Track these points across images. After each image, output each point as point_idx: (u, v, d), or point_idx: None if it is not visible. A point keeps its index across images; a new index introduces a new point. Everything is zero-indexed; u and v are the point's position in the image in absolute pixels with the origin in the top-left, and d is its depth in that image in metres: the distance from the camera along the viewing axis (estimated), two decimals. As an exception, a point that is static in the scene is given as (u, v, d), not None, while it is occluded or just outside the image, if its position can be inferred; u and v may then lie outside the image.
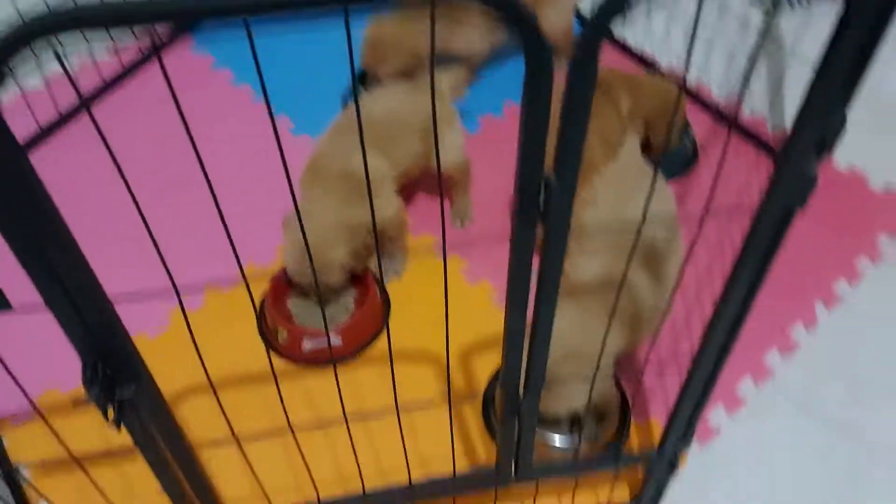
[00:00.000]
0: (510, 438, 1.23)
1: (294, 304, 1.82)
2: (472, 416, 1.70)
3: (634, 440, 1.67)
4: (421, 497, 1.32)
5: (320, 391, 1.73)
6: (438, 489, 1.31)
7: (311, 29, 2.49)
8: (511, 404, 1.15)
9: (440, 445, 1.62)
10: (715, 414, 1.72)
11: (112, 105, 2.29)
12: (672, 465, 1.42)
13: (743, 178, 2.14)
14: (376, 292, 1.83)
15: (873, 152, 2.20)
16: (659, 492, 1.50)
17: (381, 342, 1.82)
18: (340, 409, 1.14)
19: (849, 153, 2.19)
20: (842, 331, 1.86)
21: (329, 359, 1.74)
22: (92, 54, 2.30)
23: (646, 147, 1.97)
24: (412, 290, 1.91)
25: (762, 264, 0.97)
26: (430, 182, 2.10)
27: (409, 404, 1.70)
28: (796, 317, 1.87)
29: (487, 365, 1.77)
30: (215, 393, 1.01)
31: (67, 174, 2.09)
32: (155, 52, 2.37)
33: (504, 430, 1.21)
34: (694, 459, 1.65)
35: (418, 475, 1.35)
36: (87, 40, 2.25)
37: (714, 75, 2.33)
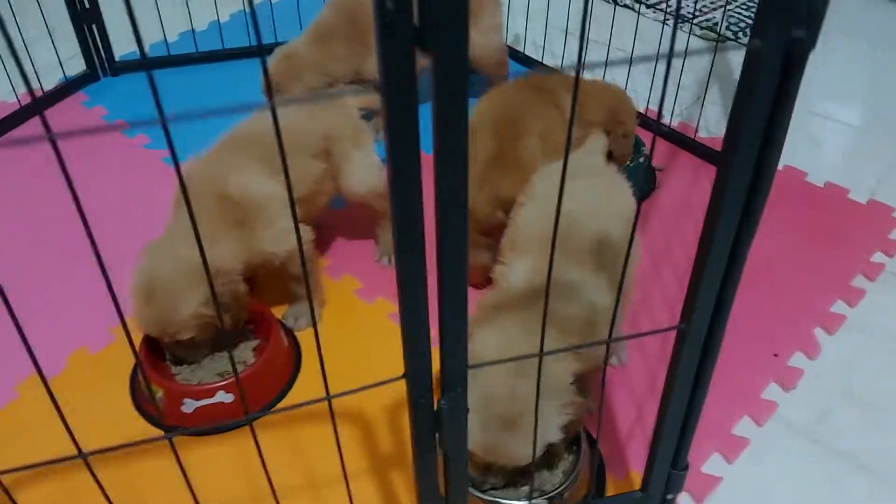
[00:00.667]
0: (429, 482, 0.87)
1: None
2: (403, 484, 1.32)
3: None
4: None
5: (208, 465, 1.34)
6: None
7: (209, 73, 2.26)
8: (424, 422, 0.80)
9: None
10: (712, 462, 1.36)
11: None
12: (663, 517, 1.05)
13: (707, 198, 1.89)
14: (280, 340, 1.48)
15: (847, 168, 1.98)
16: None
17: (288, 400, 1.46)
18: (232, 490, 0.82)
19: (822, 171, 1.96)
20: (847, 355, 1.55)
21: (219, 420, 1.37)
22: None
23: (609, 159, 1.72)
24: (330, 340, 1.56)
25: (766, 147, 0.67)
26: (351, 216, 1.81)
27: (322, 477, 1.33)
28: (795, 346, 1.56)
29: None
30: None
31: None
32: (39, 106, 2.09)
33: (420, 470, 0.85)
34: (691, 520, 1.28)
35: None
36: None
37: (665, 105, 2.13)
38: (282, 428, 1.41)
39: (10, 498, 0.77)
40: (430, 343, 0.79)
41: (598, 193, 1.34)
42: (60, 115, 2.11)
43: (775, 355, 1.53)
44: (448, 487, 0.88)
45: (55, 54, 2.15)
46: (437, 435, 0.83)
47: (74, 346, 1.53)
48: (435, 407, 0.80)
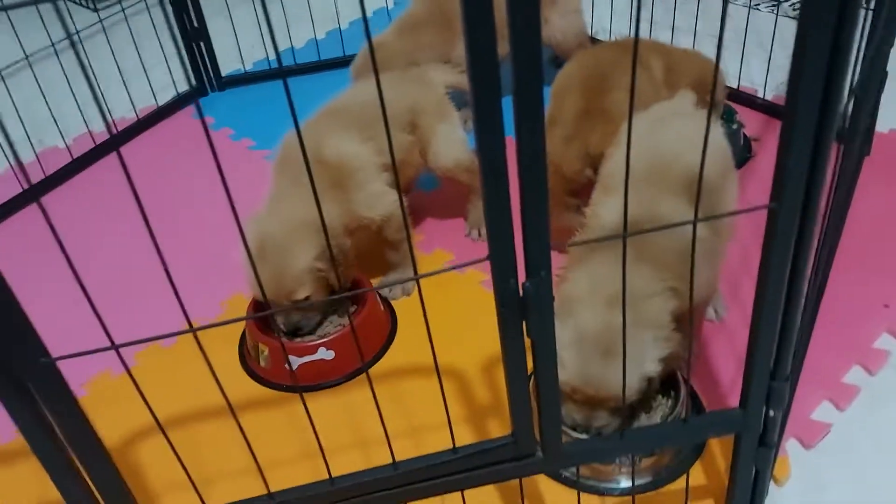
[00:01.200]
0: (519, 377, 0.88)
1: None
2: (500, 432, 1.32)
3: (716, 462, 1.26)
4: (412, 487, 0.95)
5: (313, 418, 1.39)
6: (433, 470, 0.94)
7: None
8: (509, 308, 0.82)
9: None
10: (821, 410, 1.31)
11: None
12: (766, 442, 1.02)
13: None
14: (378, 303, 1.53)
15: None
16: (755, 489, 1.08)
17: (386, 360, 1.50)
18: (337, 438, 0.88)
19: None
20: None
21: (320, 377, 1.42)
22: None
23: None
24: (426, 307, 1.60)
25: None
26: (440, 197, 1.86)
27: (423, 425, 1.35)
28: (908, 295, 1.48)
29: (517, 375, 1.42)
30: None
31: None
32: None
33: (509, 364, 0.86)
34: (800, 464, 1.23)
35: None
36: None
37: (757, 79, 2.09)
38: (382, 383, 1.45)
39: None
40: (514, 226, 0.80)
41: (690, 130, 1.33)
42: (172, 126, 2.28)
43: (886, 306, 1.46)
44: (538, 386, 0.88)
45: (169, 75, 2.33)
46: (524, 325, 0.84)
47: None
48: (521, 293, 0.81)
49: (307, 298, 1.41)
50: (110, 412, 1.41)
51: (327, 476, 0.94)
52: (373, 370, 1.48)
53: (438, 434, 1.31)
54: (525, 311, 0.81)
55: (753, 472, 1.06)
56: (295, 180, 1.44)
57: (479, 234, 1.74)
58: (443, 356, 1.47)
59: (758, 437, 1.01)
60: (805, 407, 1.30)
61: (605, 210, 1.24)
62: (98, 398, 1.48)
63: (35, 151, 2.11)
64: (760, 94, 2.06)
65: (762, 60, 2.10)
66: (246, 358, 1.52)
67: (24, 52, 2.16)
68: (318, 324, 1.50)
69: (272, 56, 2.53)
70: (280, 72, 2.46)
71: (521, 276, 0.82)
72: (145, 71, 2.23)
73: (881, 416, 1.29)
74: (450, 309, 1.58)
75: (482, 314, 1.55)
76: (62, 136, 2.13)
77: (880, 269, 1.53)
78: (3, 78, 2.14)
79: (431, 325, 1.54)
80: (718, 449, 1.26)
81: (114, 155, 2.19)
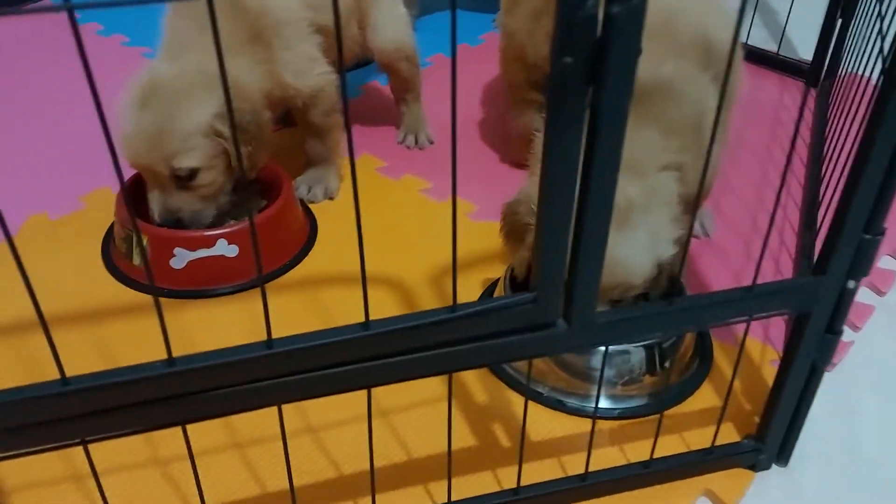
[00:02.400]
0: (563, 203, 0.59)
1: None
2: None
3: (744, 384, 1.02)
4: (388, 362, 0.64)
5: (205, 326, 1.04)
6: (417, 337, 0.63)
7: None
8: (581, 42, 0.53)
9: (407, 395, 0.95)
10: (834, 330, 1.11)
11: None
12: (834, 328, 0.78)
13: (776, 100, 1.68)
14: (293, 197, 1.20)
15: None
16: (803, 395, 0.83)
17: (302, 268, 1.17)
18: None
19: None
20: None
21: (218, 279, 1.08)
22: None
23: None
24: (352, 214, 1.29)
25: None
26: (364, 104, 1.57)
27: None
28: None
29: (472, 285, 1.13)
30: None
31: None
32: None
33: (556, 152, 0.57)
34: (826, 385, 1.00)
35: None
36: None
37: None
38: (298, 291, 1.12)
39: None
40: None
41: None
42: (28, 19, 1.85)
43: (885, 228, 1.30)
44: (581, 208, 0.60)
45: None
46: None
47: (32, 211, 1.24)
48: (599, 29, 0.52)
49: (195, 173, 1.06)
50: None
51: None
52: (286, 277, 1.15)
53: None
54: (600, 60, 0.53)
55: (808, 370, 0.82)
56: (201, 26, 1.09)
57: (416, 141, 1.45)
58: (376, 265, 1.18)
59: (829, 317, 0.77)
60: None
61: None
62: None
63: None
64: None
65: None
66: (112, 256, 1.15)
67: None
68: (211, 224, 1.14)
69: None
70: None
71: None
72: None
73: (898, 332, 1.10)
74: (383, 218, 1.28)
75: (427, 224, 1.27)
76: None
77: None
78: None
79: (365, 235, 1.24)
80: (726, 366, 1.03)
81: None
